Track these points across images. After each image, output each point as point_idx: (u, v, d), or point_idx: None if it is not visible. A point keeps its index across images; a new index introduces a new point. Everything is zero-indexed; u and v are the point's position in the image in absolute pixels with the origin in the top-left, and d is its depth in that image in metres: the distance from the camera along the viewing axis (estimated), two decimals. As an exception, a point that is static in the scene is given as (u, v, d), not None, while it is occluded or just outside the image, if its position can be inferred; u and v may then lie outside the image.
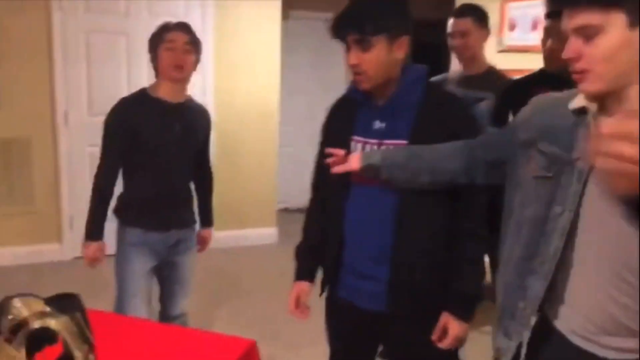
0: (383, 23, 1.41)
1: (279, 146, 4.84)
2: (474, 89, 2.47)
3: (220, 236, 4.61)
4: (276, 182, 4.84)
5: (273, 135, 4.71)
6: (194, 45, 2.11)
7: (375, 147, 1.49)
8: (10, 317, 1.13)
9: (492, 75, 2.61)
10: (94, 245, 2.15)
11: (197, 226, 2.42)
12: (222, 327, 3.24)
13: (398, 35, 1.43)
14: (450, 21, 2.61)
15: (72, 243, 4.15)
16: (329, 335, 1.75)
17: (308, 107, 5.81)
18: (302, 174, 5.72)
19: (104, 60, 4.01)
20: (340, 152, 1.51)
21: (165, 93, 2.13)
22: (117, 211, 2.23)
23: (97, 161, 2.18)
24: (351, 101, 1.59)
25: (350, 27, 1.43)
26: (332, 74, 5.64)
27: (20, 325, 1.13)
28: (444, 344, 1.49)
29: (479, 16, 2.56)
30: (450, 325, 1.49)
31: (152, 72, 2.19)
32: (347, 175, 1.50)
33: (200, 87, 4.32)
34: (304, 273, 1.73)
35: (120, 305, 2.18)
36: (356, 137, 1.54)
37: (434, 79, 2.68)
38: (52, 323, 1.18)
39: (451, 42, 2.62)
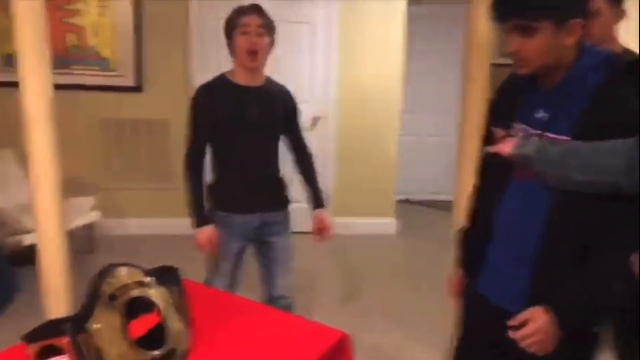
0: (549, 7, 1.26)
1: (401, 135, 4.74)
2: None
3: (337, 222, 4.65)
4: (396, 172, 4.76)
5: (394, 123, 4.63)
6: (268, 28, 2.12)
7: (536, 138, 1.35)
8: (111, 282, 1.21)
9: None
10: (207, 229, 2.16)
11: (291, 208, 2.39)
12: (328, 315, 3.28)
13: (567, 19, 1.27)
14: None
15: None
16: (458, 328, 1.66)
17: (434, 96, 5.65)
18: (425, 165, 5.72)
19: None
20: (501, 132, 1.42)
21: (242, 77, 2.17)
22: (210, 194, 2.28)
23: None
24: (518, 83, 1.44)
25: (510, 12, 1.29)
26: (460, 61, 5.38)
27: (119, 291, 1.20)
28: (515, 335, 1.32)
29: None
30: (535, 317, 1.31)
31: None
32: (509, 168, 1.40)
33: (323, 75, 4.38)
34: (464, 264, 1.63)
35: (208, 286, 2.23)
36: (517, 125, 1.40)
37: None
38: (151, 293, 1.25)
39: None
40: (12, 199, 3.35)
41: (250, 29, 2.09)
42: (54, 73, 3.86)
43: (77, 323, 1.14)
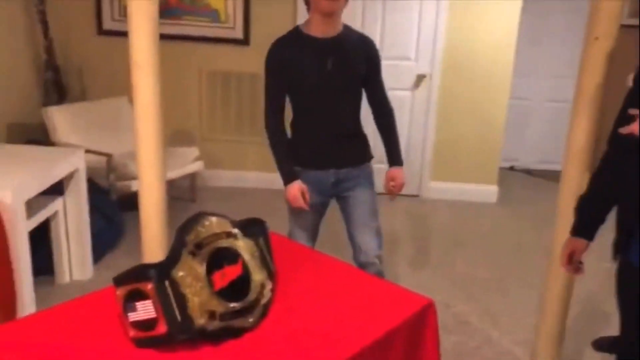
0: None
1: (510, 98, 4.46)
2: None
3: (434, 186, 4.57)
4: (502, 138, 4.51)
5: (504, 86, 4.34)
6: None
7: None
8: (199, 231, 1.22)
9: None
10: (294, 186, 2.12)
11: (373, 163, 2.30)
12: (416, 280, 3.22)
13: None
14: None
15: (298, 174, 4.52)
16: (620, 305, 1.60)
17: (550, 59, 5.24)
18: (534, 132, 5.38)
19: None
20: (636, 112, 1.37)
21: (317, 29, 2.05)
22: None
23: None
24: None
25: None
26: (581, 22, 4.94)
27: (206, 241, 1.21)
28: None
29: None
30: None
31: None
32: None
33: (431, 33, 4.18)
34: (582, 229, 1.63)
35: (290, 238, 2.27)
36: None
37: None
38: (237, 244, 1.26)
39: None
40: (123, 145, 3.55)
41: None
42: (166, 23, 4.13)
43: (162, 270, 1.16)
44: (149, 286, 1.14)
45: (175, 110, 4.37)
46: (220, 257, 1.23)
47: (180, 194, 4.20)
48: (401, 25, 4.18)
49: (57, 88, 4.00)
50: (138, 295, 1.15)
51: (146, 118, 1.93)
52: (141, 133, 1.92)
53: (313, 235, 2.32)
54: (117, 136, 3.68)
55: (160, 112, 1.96)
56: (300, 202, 2.12)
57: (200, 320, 1.15)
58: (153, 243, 2.03)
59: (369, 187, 2.25)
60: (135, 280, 1.16)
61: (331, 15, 2.00)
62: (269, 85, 2.18)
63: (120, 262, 3.11)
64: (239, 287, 1.24)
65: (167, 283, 1.15)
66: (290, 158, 2.17)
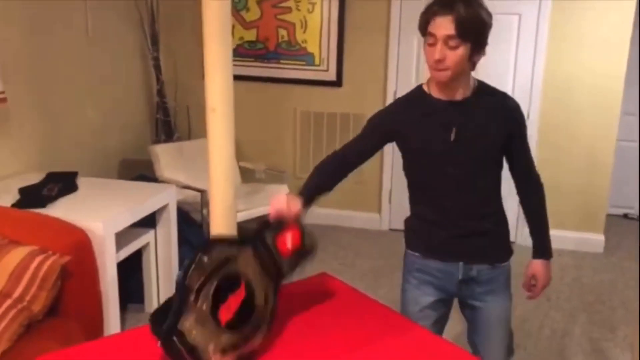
0: None
1: (619, 140, 4.14)
2: None
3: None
4: (610, 182, 4.17)
5: (612, 126, 4.05)
6: (464, 33, 1.54)
7: None
8: (198, 273, 1.22)
9: None
10: (285, 196, 1.67)
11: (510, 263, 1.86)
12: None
13: None
14: None
15: (388, 215, 4.50)
16: None
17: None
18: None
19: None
20: None
21: (437, 90, 1.69)
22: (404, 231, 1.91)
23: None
24: None
25: None
26: None
27: (205, 282, 1.21)
28: None
29: None
30: None
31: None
32: None
33: (528, 70, 4.03)
34: None
35: None
36: None
37: None
38: (236, 266, 1.26)
39: None
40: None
41: (436, 39, 1.59)
42: (265, 66, 4.37)
43: (170, 326, 1.19)
44: (158, 344, 1.19)
45: (271, 148, 4.58)
46: (224, 289, 1.24)
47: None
48: (498, 64, 4.07)
49: (166, 127, 4.37)
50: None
51: (219, 162, 2.05)
52: (214, 176, 2.04)
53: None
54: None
55: (233, 157, 2.08)
56: (279, 204, 1.61)
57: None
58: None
59: (506, 297, 1.84)
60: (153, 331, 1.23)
61: (442, 80, 1.63)
62: (356, 136, 1.88)
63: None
64: (245, 307, 1.26)
65: (175, 339, 1.18)
66: (311, 186, 1.85)
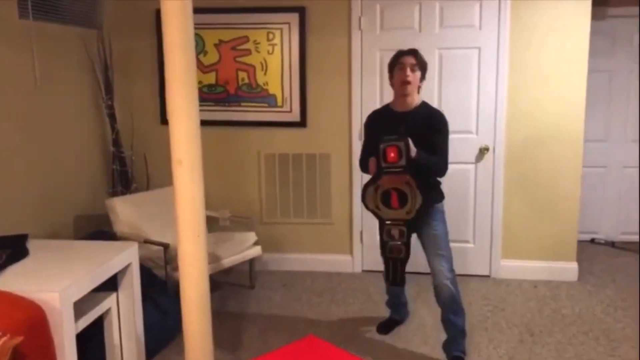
0: None
1: (584, 167, 4.17)
2: None
3: (506, 265, 4.25)
4: (578, 209, 4.18)
5: (576, 155, 4.07)
6: (420, 65, 2.90)
7: None
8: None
9: None
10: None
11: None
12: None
13: None
14: None
15: (360, 256, 4.37)
16: None
17: (623, 123, 4.94)
18: (612, 201, 5.00)
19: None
20: None
21: (398, 105, 2.98)
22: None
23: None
24: None
25: None
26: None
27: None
28: None
29: None
30: None
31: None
32: None
33: (492, 99, 4.04)
34: None
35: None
36: None
37: None
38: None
39: None
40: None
41: (404, 65, 2.87)
42: (226, 110, 4.24)
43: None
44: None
45: (235, 194, 4.40)
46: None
47: (240, 279, 4.14)
48: (461, 97, 4.06)
49: (123, 178, 4.14)
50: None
51: (189, 218, 1.88)
52: (182, 231, 1.87)
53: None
54: (172, 225, 3.71)
55: (202, 212, 1.91)
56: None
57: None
58: (195, 340, 1.94)
59: (442, 222, 2.95)
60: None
61: (405, 96, 2.90)
62: (366, 139, 3.13)
63: (175, 358, 3.03)
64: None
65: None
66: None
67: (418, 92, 2.94)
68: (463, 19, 4.00)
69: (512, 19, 3.96)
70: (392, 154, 2.63)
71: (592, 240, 5.03)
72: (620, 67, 4.86)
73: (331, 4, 4.11)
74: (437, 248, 2.88)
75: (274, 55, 4.18)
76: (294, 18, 4.11)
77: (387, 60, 4.09)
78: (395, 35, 4.06)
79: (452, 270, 2.88)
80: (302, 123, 4.26)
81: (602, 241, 5.04)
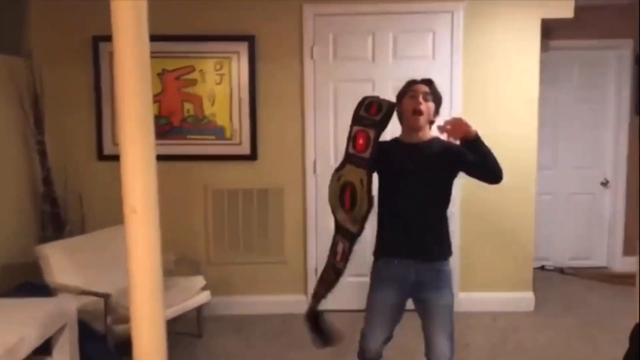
0: None
1: (538, 194, 4.18)
2: None
3: (464, 298, 4.15)
4: (533, 238, 4.16)
5: (529, 186, 4.07)
6: (434, 96, 2.43)
7: None
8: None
9: None
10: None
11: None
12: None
13: None
14: None
15: (315, 294, 4.14)
16: None
17: (571, 151, 5.06)
18: (561, 228, 5.07)
19: (350, 108, 3.93)
20: None
21: (407, 137, 2.46)
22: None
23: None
24: None
25: None
26: (599, 110, 4.85)
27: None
28: None
29: None
30: None
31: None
32: None
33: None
34: None
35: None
36: None
37: None
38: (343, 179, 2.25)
39: None
40: (121, 282, 3.21)
41: (417, 93, 2.39)
42: (169, 144, 3.96)
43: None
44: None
45: (180, 234, 4.09)
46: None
47: (186, 327, 3.79)
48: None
49: (55, 220, 3.75)
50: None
51: (143, 274, 1.61)
52: (137, 293, 1.59)
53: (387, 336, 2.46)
54: (116, 270, 3.34)
55: (159, 266, 1.65)
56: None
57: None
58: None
59: (451, 289, 2.43)
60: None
61: (416, 129, 2.41)
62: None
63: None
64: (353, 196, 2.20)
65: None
66: None
67: (430, 128, 2.44)
68: (416, 50, 3.95)
69: (465, 50, 3.95)
70: (361, 141, 2.19)
71: (542, 267, 5.06)
72: (564, 96, 4.99)
73: (282, 33, 3.95)
74: (444, 324, 2.37)
75: (222, 85, 3.96)
76: (243, 47, 3.92)
77: (341, 90, 4.05)
78: (349, 65, 3.95)
79: (453, 350, 2.39)
80: (252, 156, 4.03)
81: (552, 268, 5.07)
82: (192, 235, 4.11)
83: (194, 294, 3.59)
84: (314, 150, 4.02)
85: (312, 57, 3.95)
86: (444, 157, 2.38)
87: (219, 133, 4.01)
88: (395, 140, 2.48)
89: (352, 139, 2.24)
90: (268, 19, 3.94)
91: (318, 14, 3.92)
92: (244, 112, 3.98)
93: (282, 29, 3.95)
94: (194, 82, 3.96)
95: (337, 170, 2.28)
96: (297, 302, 4.14)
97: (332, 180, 2.27)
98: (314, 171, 4.03)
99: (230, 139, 4.02)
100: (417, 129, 2.38)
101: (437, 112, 2.44)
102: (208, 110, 3.99)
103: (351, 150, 2.24)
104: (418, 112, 2.34)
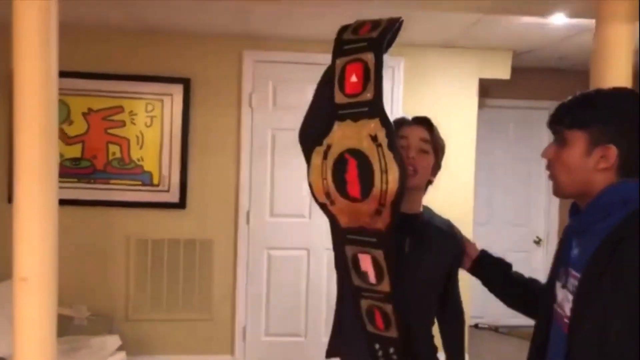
0: (581, 117, 1.23)
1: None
2: None
3: None
4: (469, 297, 4.08)
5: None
6: (434, 144, 1.65)
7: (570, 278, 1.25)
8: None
9: None
10: None
11: None
12: None
13: (600, 140, 1.20)
14: None
15: (243, 356, 3.86)
16: None
17: (506, 208, 5.11)
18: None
19: (288, 159, 3.79)
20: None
21: None
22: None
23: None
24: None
25: (552, 117, 1.31)
26: (533, 167, 4.95)
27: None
28: None
29: None
30: None
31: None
32: None
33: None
34: None
35: None
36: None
37: None
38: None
39: None
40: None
41: (410, 141, 1.60)
42: (90, 188, 3.65)
43: None
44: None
45: (96, 287, 3.74)
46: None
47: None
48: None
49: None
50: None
51: (31, 346, 1.35)
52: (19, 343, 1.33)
53: None
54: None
55: (53, 342, 1.39)
56: None
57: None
58: None
59: None
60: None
61: (411, 187, 1.54)
62: None
63: None
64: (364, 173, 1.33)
65: None
66: None
67: (425, 191, 1.72)
68: (357, 102, 3.89)
69: (404, 105, 3.92)
70: (355, 78, 1.40)
71: (476, 326, 4.98)
72: (499, 152, 5.07)
73: (220, 78, 3.79)
74: None
75: (153, 128, 3.72)
76: (177, 89, 3.72)
77: (280, 139, 3.91)
78: (289, 113, 3.83)
79: None
80: (181, 204, 3.78)
81: (486, 326, 5.01)
82: (110, 288, 3.76)
83: (108, 355, 3.24)
84: (249, 200, 3.82)
85: (250, 104, 3.80)
86: (443, 244, 1.70)
87: (145, 179, 3.74)
88: None
89: (340, 76, 1.41)
90: (206, 63, 3.78)
91: (258, 60, 3.80)
92: (174, 158, 3.74)
93: (220, 73, 3.79)
94: (121, 124, 3.70)
95: (316, 141, 1.43)
96: (225, 363, 3.86)
97: (312, 158, 1.43)
98: (247, 222, 3.82)
99: (157, 185, 3.75)
100: (413, 187, 1.58)
101: (437, 167, 1.71)
102: (135, 154, 3.72)
103: (338, 96, 1.40)
104: (410, 172, 1.56)
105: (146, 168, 3.74)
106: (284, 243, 3.87)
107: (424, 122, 1.64)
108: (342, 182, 1.35)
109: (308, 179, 1.42)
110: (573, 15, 3.02)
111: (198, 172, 3.81)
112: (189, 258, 3.81)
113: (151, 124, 3.71)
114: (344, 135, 1.35)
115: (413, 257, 1.59)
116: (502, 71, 4.01)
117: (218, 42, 3.76)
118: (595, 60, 2.14)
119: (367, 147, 1.31)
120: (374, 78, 1.33)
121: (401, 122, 1.65)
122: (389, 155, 1.29)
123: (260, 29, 3.55)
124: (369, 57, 1.35)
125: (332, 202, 1.38)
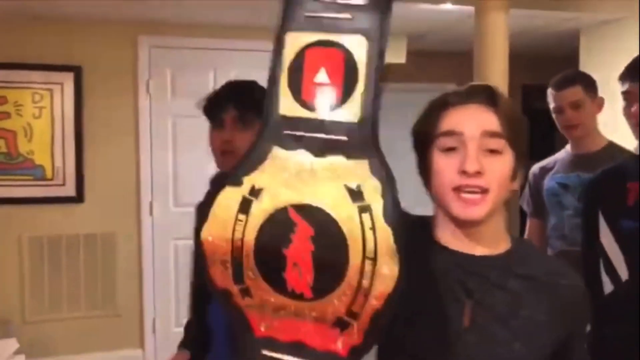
0: None
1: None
2: (589, 172, 1.84)
3: None
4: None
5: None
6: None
7: None
8: None
9: (613, 153, 2.02)
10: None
11: None
12: None
13: None
14: (553, 93, 2.12)
15: (154, 349, 3.79)
16: None
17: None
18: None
19: (190, 147, 3.73)
20: None
21: (451, 238, 0.96)
22: None
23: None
24: None
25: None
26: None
27: None
28: None
29: (589, 83, 2.11)
30: None
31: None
32: None
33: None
34: None
35: None
36: None
37: (540, 164, 2.23)
38: None
39: (557, 117, 2.14)
40: None
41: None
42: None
43: None
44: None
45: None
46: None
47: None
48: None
49: None
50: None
51: None
52: None
53: None
54: None
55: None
56: None
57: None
58: None
59: None
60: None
61: (472, 225, 0.93)
62: None
63: None
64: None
65: None
66: None
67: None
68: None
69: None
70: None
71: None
72: (398, 138, 5.27)
73: (115, 65, 3.64)
74: None
75: (42, 119, 3.51)
76: (67, 78, 3.53)
77: (181, 127, 3.82)
78: (189, 101, 3.74)
79: None
80: (78, 198, 3.61)
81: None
82: (2, 291, 3.54)
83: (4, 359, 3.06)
84: (151, 190, 3.72)
85: (148, 91, 3.68)
86: (560, 319, 0.97)
87: (37, 173, 3.53)
88: (428, 238, 0.99)
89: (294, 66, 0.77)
90: (98, 50, 3.61)
91: (155, 46, 3.69)
92: (68, 150, 3.56)
93: (114, 61, 3.64)
94: (6, 116, 3.45)
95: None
96: (134, 358, 3.76)
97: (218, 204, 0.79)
98: (150, 213, 3.73)
99: (51, 179, 3.56)
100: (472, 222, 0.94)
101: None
102: (24, 147, 3.50)
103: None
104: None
105: (37, 162, 3.53)
106: (190, 233, 3.82)
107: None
108: (276, 262, 0.74)
109: (200, 231, 0.82)
110: (457, 2, 3.22)
111: (95, 164, 3.65)
112: (89, 253, 3.66)
113: (40, 115, 3.50)
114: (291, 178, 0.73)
115: (476, 331, 0.90)
116: (397, 55, 4.17)
117: (111, 27, 3.61)
118: (476, 45, 2.30)
119: (339, 208, 0.71)
120: (365, 76, 0.72)
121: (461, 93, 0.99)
122: (384, 232, 0.70)
123: (157, 13, 3.45)
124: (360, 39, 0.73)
125: (246, 292, 0.77)
